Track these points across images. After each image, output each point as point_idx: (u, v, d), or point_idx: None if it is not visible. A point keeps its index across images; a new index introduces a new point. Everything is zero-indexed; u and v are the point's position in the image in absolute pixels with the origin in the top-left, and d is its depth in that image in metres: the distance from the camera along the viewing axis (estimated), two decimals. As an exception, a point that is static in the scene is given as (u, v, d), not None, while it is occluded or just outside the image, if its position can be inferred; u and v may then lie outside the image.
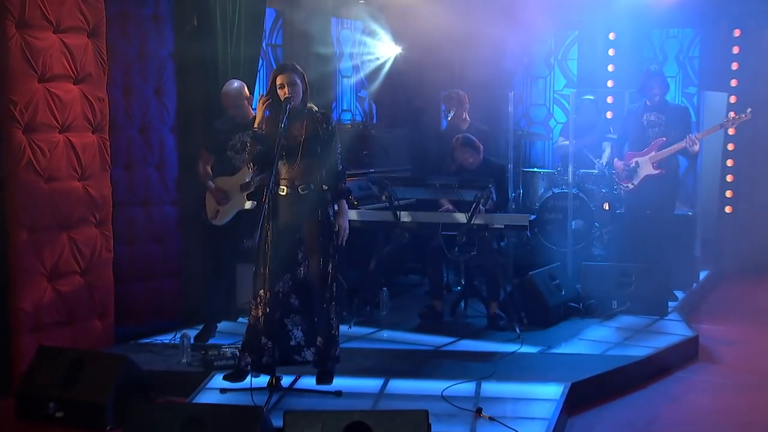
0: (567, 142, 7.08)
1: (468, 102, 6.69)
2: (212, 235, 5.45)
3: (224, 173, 5.36)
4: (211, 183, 5.38)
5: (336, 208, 4.44)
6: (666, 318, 5.93)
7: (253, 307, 4.36)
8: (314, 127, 4.35)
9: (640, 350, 5.13)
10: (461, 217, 5.44)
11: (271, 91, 4.30)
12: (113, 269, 5.22)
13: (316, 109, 4.43)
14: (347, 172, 6.44)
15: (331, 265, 4.38)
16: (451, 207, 5.78)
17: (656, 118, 6.23)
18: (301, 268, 4.41)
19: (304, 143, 4.30)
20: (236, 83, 5.42)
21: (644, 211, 6.34)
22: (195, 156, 5.56)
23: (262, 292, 4.32)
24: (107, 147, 5.14)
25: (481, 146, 5.87)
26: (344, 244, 4.47)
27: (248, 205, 5.21)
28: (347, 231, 4.45)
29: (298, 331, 4.42)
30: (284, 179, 4.36)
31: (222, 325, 5.52)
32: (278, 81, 4.27)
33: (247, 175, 5.12)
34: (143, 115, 5.63)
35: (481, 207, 5.40)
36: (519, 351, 5.15)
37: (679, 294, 6.54)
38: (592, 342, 5.38)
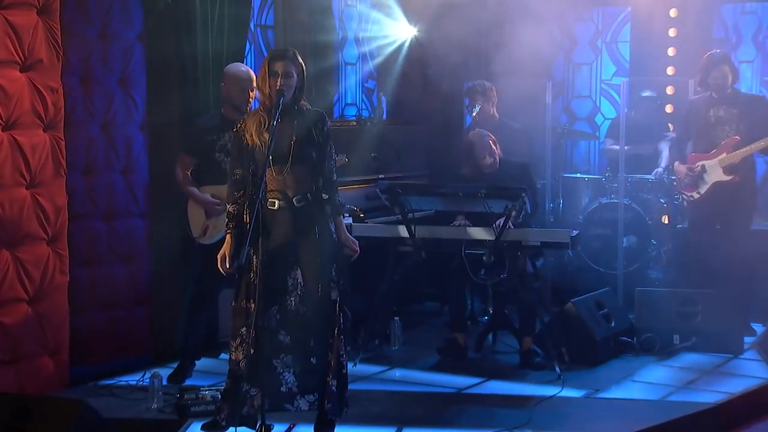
0: (617, 147, 7.02)
1: (496, 94, 6.65)
2: (197, 255, 5.42)
3: (212, 181, 5.32)
4: (197, 191, 5.35)
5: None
6: (741, 357, 5.88)
7: (233, 350, 4.34)
8: (306, 128, 4.36)
9: (708, 396, 5.08)
10: (489, 233, 5.41)
11: (263, 79, 4.33)
12: (69, 296, 5.19)
13: (308, 107, 4.46)
14: (352, 179, 6.56)
15: (335, 292, 4.38)
16: (465, 221, 5.73)
17: (726, 113, 6.18)
18: (292, 298, 4.39)
19: (295, 146, 4.30)
20: (246, 70, 5.42)
21: (713, 226, 6.30)
22: (169, 159, 5.53)
23: (244, 330, 4.30)
24: (62, 148, 5.11)
25: (498, 145, 5.88)
26: (352, 260, 4.51)
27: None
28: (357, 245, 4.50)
29: (289, 374, 4.41)
30: (273, 190, 4.35)
31: (201, 363, 5.52)
32: (275, 68, 4.29)
33: None
34: (106, 109, 5.61)
35: (510, 223, 5.38)
36: (559, 395, 5.13)
37: (758, 327, 6.46)
38: (649, 385, 5.34)
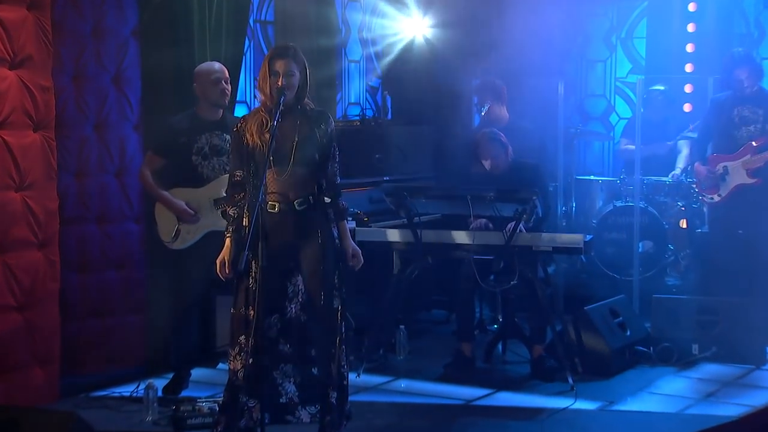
0: (632, 147, 7.00)
1: (506, 93, 6.65)
2: (174, 261, 5.41)
3: (188, 183, 5.31)
4: (168, 194, 5.30)
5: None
6: (763, 367, 5.85)
7: (231, 359, 4.32)
8: (309, 128, 4.35)
9: (729, 409, 5.06)
10: (498, 238, 5.40)
11: (263, 78, 4.33)
12: (60, 303, 5.18)
13: (312, 106, 4.45)
14: (356, 181, 6.55)
15: (338, 300, 4.37)
16: (483, 221, 5.71)
17: (750, 113, 6.17)
18: (292, 306, 4.39)
19: (297, 147, 4.29)
20: (218, 64, 5.41)
21: (734, 231, 6.27)
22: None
23: (242, 338, 4.27)
24: (53, 149, 5.11)
25: (509, 146, 5.83)
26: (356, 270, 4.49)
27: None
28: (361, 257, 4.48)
29: (290, 384, 4.40)
30: (274, 192, 4.34)
31: (198, 373, 5.51)
32: (275, 66, 4.28)
33: (221, 187, 5.05)
34: (99, 108, 5.61)
35: (521, 227, 5.37)
36: (572, 407, 5.13)
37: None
38: (667, 397, 5.33)
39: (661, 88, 7.63)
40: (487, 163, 5.80)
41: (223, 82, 5.29)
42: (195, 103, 5.40)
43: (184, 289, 5.40)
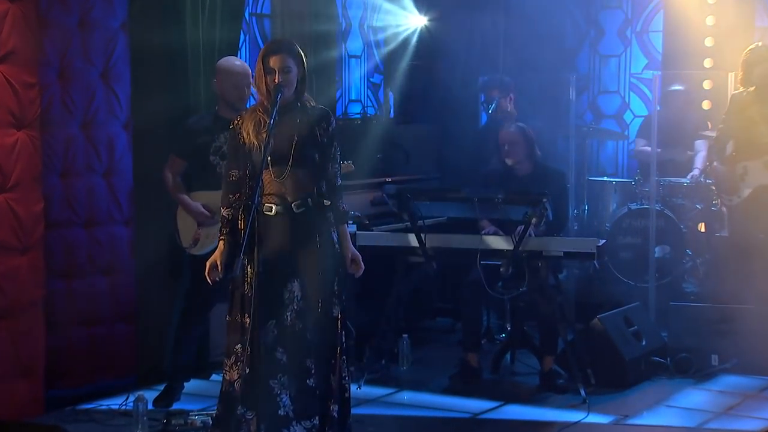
0: (648, 149, 6.99)
1: (514, 90, 6.64)
2: (187, 267, 5.42)
3: (206, 186, 5.32)
4: (187, 197, 5.37)
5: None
6: (788, 379, 5.87)
7: (227, 369, 4.31)
8: (309, 127, 4.35)
9: (751, 423, 5.06)
10: (507, 243, 5.40)
11: (259, 76, 4.33)
12: (45, 311, 5.18)
13: (313, 103, 4.45)
14: (356, 183, 6.54)
15: (337, 308, 4.36)
16: (493, 228, 5.71)
17: (772, 111, 6.15)
18: (288, 313, 4.35)
19: (296, 147, 4.29)
20: (240, 63, 5.45)
21: (755, 234, 6.23)
22: (155, 160, 5.53)
23: (238, 347, 4.26)
24: (38, 148, 5.11)
25: (536, 145, 5.87)
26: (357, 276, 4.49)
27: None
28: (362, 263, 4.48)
29: (286, 396, 4.36)
30: (271, 194, 4.34)
31: (190, 385, 5.52)
32: (270, 63, 4.28)
33: None
34: (87, 105, 5.60)
35: (530, 231, 5.38)
36: (585, 421, 5.13)
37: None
38: (685, 411, 5.33)
39: (680, 88, 7.62)
40: (509, 161, 5.80)
41: (244, 88, 5.33)
42: (216, 102, 5.46)
43: (194, 297, 5.39)
